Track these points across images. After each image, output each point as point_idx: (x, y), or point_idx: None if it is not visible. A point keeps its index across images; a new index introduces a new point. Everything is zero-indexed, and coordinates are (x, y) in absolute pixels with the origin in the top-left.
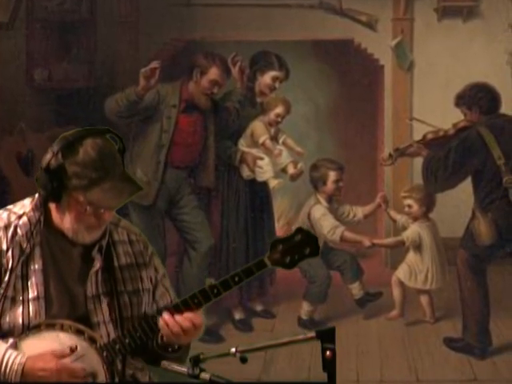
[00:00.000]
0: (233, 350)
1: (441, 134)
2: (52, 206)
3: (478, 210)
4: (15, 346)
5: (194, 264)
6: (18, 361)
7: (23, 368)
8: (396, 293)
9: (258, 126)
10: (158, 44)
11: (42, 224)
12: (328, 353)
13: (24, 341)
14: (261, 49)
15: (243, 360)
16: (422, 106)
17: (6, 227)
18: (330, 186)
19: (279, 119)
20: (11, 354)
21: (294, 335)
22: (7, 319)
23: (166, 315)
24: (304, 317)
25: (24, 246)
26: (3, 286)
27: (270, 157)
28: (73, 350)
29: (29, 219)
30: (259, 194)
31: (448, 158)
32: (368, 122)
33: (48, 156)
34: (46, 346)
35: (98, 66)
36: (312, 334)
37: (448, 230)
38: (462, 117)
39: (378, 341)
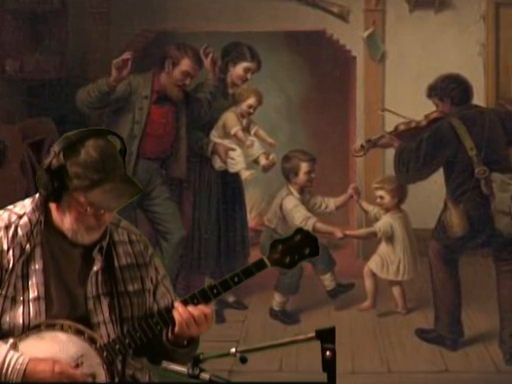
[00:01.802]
0: (233, 350)
1: (413, 125)
2: (52, 206)
3: (450, 201)
4: (15, 346)
5: (165, 255)
6: (20, 362)
7: (25, 370)
8: (368, 284)
9: (229, 117)
10: (129, 35)
11: (43, 224)
12: (328, 353)
13: (24, 341)
14: (233, 40)
15: (243, 360)
16: (393, 97)
17: (7, 227)
18: (301, 177)
19: (251, 110)
20: (13, 355)
21: (264, 326)
22: (7, 319)
23: (179, 305)
24: (276, 308)
25: (24, 246)
26: (3, 286)
27: (241, 148)
28: (78, 365)
29: (29, 219)
30: (231, 185)
31: (420, 149)
32: (340, 113)
33: (49, 156)
34: (46, 346)
35: (70, 57)
36: (312, 334)
37: (420, 221)
38: (434, 108)
39: (350, 332)
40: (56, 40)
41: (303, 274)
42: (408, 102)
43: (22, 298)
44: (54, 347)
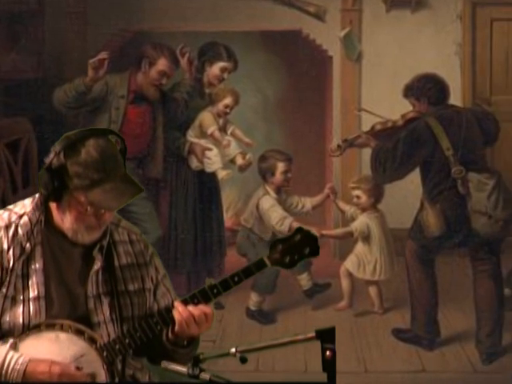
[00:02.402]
0: (233, 350)
1: (389, 124)
2: (53, 206)
3: (427, 201)
4: (15, 346)
5: None
6: (20, 362)
7: (25, 370)
8: (344, 284)
9: (206, 117)
10: (106, 35)
11: (43, 223)
12: (328, 353)
13: (23, 341)
14: (209, 39)
15: (243, 360)
16: (370, 96)
17: (7, 227)
18: (278, 176)
19: (228, 110)
20: (13, 356)
21: (241, 326)
22: (7, 319)
23: (179, 304)
24: (252, 307)
25: (25, 245)
26: (4, 285)
27: (218, 148)
28: (79, 368)
29: (29, 219)
30: (207, 184)
31: (396, 148)
32: (316, 112)
33: (50, 155)
34: (46, 346)
35: (46, 57)
36: (312, 334)
37: (396, 221)
38: (411, 108)
39: None
40: (33, 40)
41: (280, 274)
42: (384, 102)
43: (22, 298)
44: (54, 347)
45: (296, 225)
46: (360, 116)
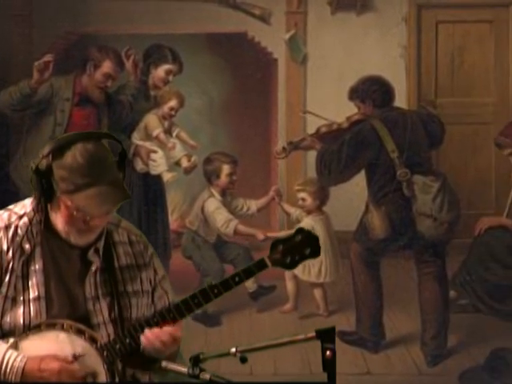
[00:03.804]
0: (233, 349)
1: (334, 127)
2: (49, 207)
3: (372, 204)
4: (15, 346)
5: None
6: (18, 360)
7: (24, 368)
8: (289, 286)
9: (151, 120)
10: (51, 37)
11: (43, 224)
12: (328, 353)
13: (24, 341)
14: (154, 42)
15: (243, 360)
16: (315, 99)
17: (7, 227)
18: (223, 179)
19: (173, 112)
20: (12, 354)
21: (186, 328)
22: (8, 319)
23: (147, 330)
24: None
25: (24, 246)
26: (4, 286)
27: (163, 150)
28: (76, 357)
29: (29, 219)
30: (153, 187)
31: (341, 151)
32: (262, 115)
33: (38, 158)
34: (46, 346)
35: None
36: (312, 333)
37: (341, 224)
38: (356, 110)
39: (272, 334)
40: None
41: (225, 276)
42: (330, 104)
43: (22, 298)
44: (54, 347)
45: (241, 227)
46: (305, 118)
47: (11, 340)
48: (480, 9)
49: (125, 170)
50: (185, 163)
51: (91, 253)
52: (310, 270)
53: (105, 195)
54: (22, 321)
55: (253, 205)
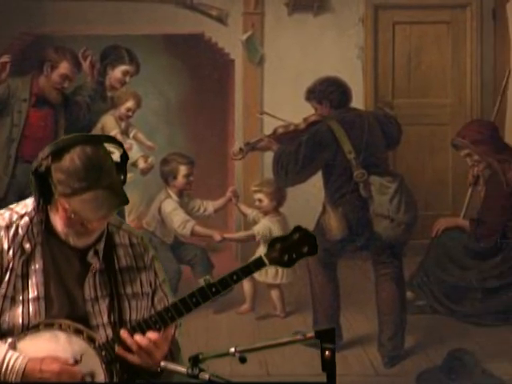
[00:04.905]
0: (232, 349)
1: (291, 128)
2: (49, 208)
3: (329, 205)
4: (13, 346)
5: None
6: (19, 361)
7: (24, 369)
8: (246, 287)
9: (108, 121)
10: (7, 38)
11: (44, 224)
12: (327, 353)
13: (22, 340)
14: (111, 43)
15: (242, 360)
16: (272, 100)
17: (8, 227)
18: (180, 180)
19: (130, 113)
20: (13, 355)
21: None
22: (7, 319)
23: (127, 337)
24: None
25: (25, 245)
26: (3, 285)
27: None
28: (77, 361)
29: (30, 219)
30: None
31: (298, 152)
32: (218, 116)
33: (37, 159)
34: (45, 345)
35: None
36: (311, 333)
37: (298, 224)
38: (313, 111)
39: (229, 335)
40: None
41: (181, 277)
42: (287, 105)
43: (21, 298)
44: (52, 346)
45: (198, 228)
46: (262, 119)
47: (9, 339)
48: (437, 10)
49: (126, 173)
50: (142, 164)
51: (90, 254)
52: (267, 271)
53: (101, 200)
54: (20, 320)
55: (210, 206)
